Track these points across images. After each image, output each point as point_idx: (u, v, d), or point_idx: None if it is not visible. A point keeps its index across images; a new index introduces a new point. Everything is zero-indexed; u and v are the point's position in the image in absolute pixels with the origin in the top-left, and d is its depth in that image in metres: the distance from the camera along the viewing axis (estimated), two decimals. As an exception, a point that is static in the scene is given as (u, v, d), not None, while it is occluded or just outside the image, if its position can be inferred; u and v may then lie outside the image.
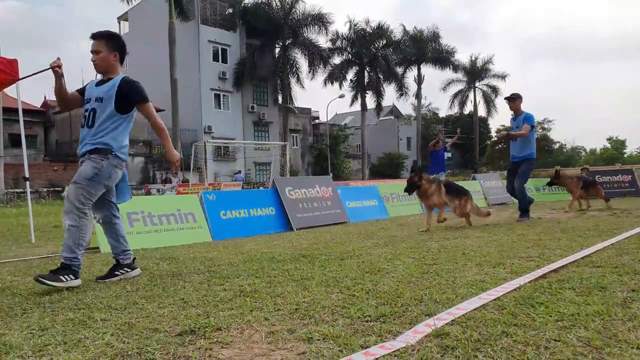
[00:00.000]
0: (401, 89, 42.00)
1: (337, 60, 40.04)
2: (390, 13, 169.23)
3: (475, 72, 48.26)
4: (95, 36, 3.46)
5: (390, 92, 73.25)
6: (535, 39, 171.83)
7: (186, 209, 6.19)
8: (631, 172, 13.39)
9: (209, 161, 24.63)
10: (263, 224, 6.96)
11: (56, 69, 3.30)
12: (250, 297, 2.65)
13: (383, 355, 1.68)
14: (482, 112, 51.32)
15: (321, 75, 38.94)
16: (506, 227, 6.18)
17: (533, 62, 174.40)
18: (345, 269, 3.45)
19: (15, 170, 23.12)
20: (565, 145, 66.29)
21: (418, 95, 44.64)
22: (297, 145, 40.46)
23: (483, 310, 2.20)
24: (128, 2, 29.27)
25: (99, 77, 3.62)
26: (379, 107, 42.47)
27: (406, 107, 64.79)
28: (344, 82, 40.45)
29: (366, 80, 40.72)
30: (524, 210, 7.00)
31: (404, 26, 42.40)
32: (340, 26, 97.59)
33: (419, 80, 43.83)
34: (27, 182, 6.96)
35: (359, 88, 40.63)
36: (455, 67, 45.41)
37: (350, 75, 40.94)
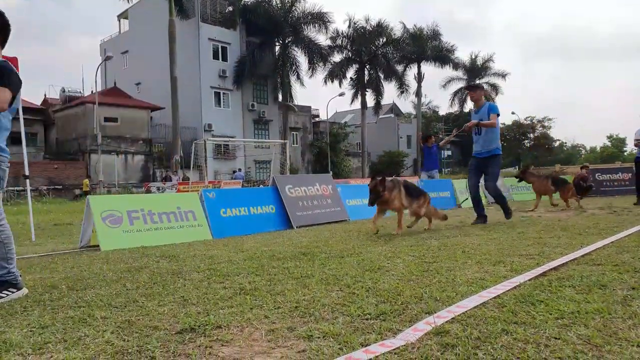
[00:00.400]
0: (402, 87, 41.99)
1: (337, 58, 40.10)
2: (390, 11, 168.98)
3: (476, 70, 48.24)
4: None
5: (390, 90, 72.98)
6: (536, 37, 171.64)
7: (186, 207, 6.19)
8: (631, 170, 13.39)
9: (209, 159, 24.64)
10: (263, 222, 6.96)
11: None
12: (250, 295, 2.65)
13: (383, 353, 1.68)
14: (482, 110, 51.24)
15: (321, 73, 39.02)
16: (506, 225, 6.18)
17: (534, 60, 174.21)
18: (345, 266, 3.45)
19: (15, 168, 22.94)
20: (565, 143, 66.38)
21: (418, 94, 44.62)
22: (297, 144, 40.46)
23: (483, 308, 2.20)
24: (128, 0, 29.25)
25: None
26: (378, 106, 42.45)
27: (406, 105, 64.82)
28: (344, 80, 40.52)
29: (366, 78, 40.70)
30: (506, 209, 6.64)
31: (404, 24, 42.42)
32: (340, 24, 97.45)
33: (419, 78, 43.80)
34: (27, 180, 6.96)
35: (359, 86, 40.61)
36: (456, 65, 45.41)
37: (350, 73, 41.00)
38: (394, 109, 59.52)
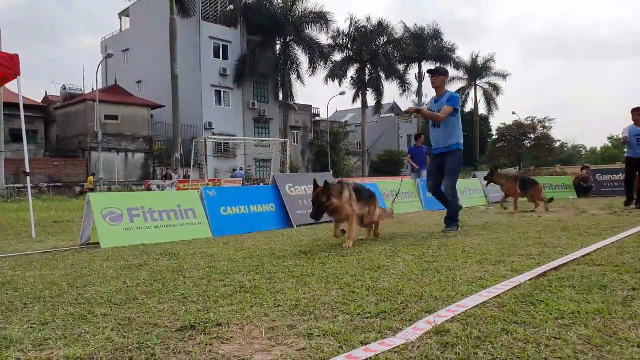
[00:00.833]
0: (403, 86, 41.96)
1: (338, 57, 40.11)
2: (390, 10, 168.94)
3: (476, 70, 48.28)
4: None
5: (391, 89, 73.60)
6: (537, 37, 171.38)
7: (186, 205, 6.19)
8: None
9: (209, 157, 24.61)
10: (263, 221, 6.96)
11: None
12: (250, 293, 2.65)
13: (383, 352, 1.68)
14: (482, 110, 51.34)
15: (322, 72, 39.03)
16: (507, 225, 6.18)
17: (534, 60, 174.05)
18: (346, 265, 3.45)
19: (15, 165, 23.13)
20: (566, 144, 66.40)
21: (419, 93, 44.63)
22: (297, 142, 40.46)
23: (483, 307, 2.20)
24: (129, -2, 29.24)
25: None
26: (378, 105, 42.44)
27: (407, 104, 64.75)
28: (344, 80, 40.50)
29: (367, 77, 40.69)
30: (452, 216, 5.70)
31: (405, 24, 42.48)
32: (341, 23, 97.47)
33: (420, 77, 43.81)
34: (28, 177, 6.96)
35: (360, 85, 40.60)
36: (457, 65, 45.46)
37: (351, 72, 41.01)
38: (394, 108, 59.49)
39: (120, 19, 41.40)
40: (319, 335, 1.90)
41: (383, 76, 41.12)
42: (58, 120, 33.04)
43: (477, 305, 2.22)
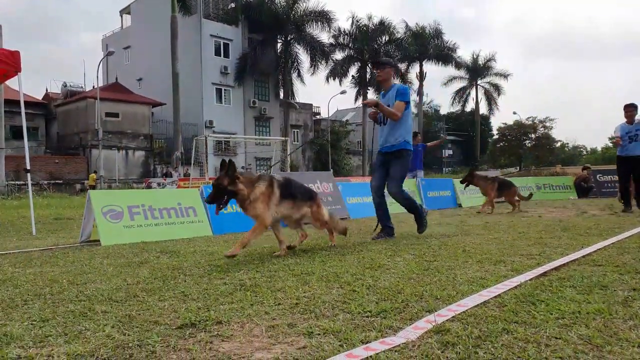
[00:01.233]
0: (404, 84, 41.93)
1: (339, 56, 40.07)
2: (389, 9, 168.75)
3: (477, 70, 48.26)
4: None
5: (391, 88, 72.83)
6: (538, 37, 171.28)
7: (187, 203, 6.19)
8: None
9: (209, 155, 24.63)
10: (263, 219, 6.95)
11: None
12: (250, 291, 2.65)
13: (383, 351, 1.68)
14: (483, 109, 51.31)
15: (323, 71, 39.02)
16: (507, 224, 6.18)
17: (535, 60, 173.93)
18: (346, 264, 3.45)
19: (16, 162, 23.14)
20: (567, 144, 66.38)
21: (420, 92, 44.62)
22: (298, 141, 40.45)
23: (484, 307, 2.20)
24: (130, -4, 29.19)
25: None
26: (379, 104, 42.35)
27: (408, 104, 64.63)
28: (345, 79, 40.49)
29: (368, 76, 40.65)
30: (418, 217, 5.25)
31: (406, 22, 42.47)
32: (342, 22, 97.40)
33: (421, 77, 43.78)
34: (28, 174, 6.96)
35: (361, 84, 40.57)
36: (458, 64, 45.42)
37: (352, 71, 40.96)
38: (395, 107, 59.40)
39: (121, 16, 41.38)
40: (319, 334, 1.90)
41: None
42: (59, 118, 33.04)
43: (478, 305, 2.22)
